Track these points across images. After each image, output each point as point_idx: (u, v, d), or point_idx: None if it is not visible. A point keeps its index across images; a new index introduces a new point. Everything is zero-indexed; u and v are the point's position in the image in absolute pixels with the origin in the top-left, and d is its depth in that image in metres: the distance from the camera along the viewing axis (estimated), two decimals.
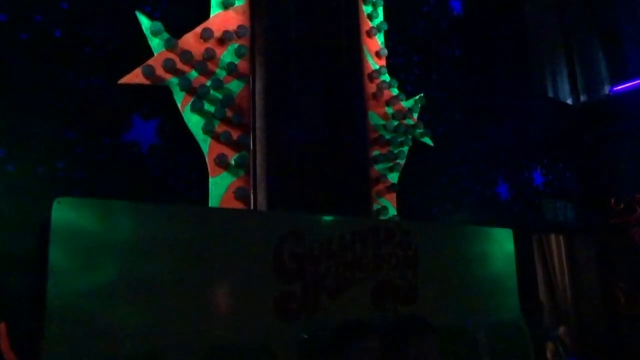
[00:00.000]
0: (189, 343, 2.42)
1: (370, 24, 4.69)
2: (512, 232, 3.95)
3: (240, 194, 3.64)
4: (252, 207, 3.71)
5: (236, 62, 3.77)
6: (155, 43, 3.47)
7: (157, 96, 3.47)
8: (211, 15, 3.79)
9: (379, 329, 2.83)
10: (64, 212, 2.23)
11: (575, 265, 6.85)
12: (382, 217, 4.34)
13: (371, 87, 4.58)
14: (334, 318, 2.78)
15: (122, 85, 3.32)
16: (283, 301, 2.76)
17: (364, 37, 4.61)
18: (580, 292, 6.79)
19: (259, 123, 3.85)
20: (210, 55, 3.65)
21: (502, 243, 3.89)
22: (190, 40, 3.62)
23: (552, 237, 6.85)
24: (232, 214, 3.19)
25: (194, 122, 3.56)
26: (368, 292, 3.12)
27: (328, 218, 3.13)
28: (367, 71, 4.57)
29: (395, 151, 4.56)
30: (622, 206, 6.78)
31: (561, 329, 5.60)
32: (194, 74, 3.58)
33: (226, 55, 3.76)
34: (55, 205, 2.21)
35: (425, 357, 2.85)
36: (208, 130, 3.57)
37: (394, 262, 3.25)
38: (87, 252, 2.26)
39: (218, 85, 3.65)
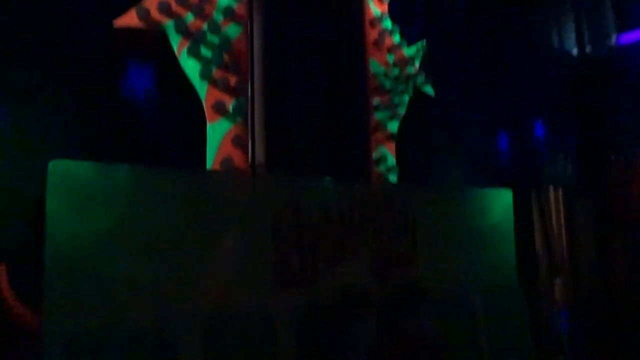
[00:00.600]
0: (186, 312, 2.40)
1: None
2: (511, 193, 3.91)
3: (238, 141, 3.60)
4: (250, 154, 3.68)
5: (233, 6, 3.67)
6: None
7: (152, 40, 3.39)
8: None
9: (376, 298, 2.84)
10: (59, 175, 2.18)
11: (573, 220, 6.86)
12: (381, 166, 4.32)
13: (372, 34, 4.47)
14: (332, 286, 2.77)
15: (117, 29, 3.24)
16: (281, 269, 2.74)
17: None
18: (577, 247, 6.82)
19: (256, 69, 3.78)
20: None
21: (501, 204, 3.87)
22: None
23: (551, 191, 6.84)
24: (231, 179, 3.16)
25: (191, 68, 3.49)
26: (366, 259, 3.10)
27: (326, 185, 3.08)
28: (368, 17, 4.46)
29: (396, 100, 4.50)
30: (622, 161, 6.74)
31: (556, 284, 5.64)
32: (190, 17, 3.49)
33: None
34: (50, 167, 2.16)
35: (421, 326, 2.87)
36: (205, 76, 3.50)
37: (392, 229, 3.22)
38: (84, 216, 2.21)
39: (215, 29, 3.56)
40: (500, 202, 3.87)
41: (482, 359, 3.44)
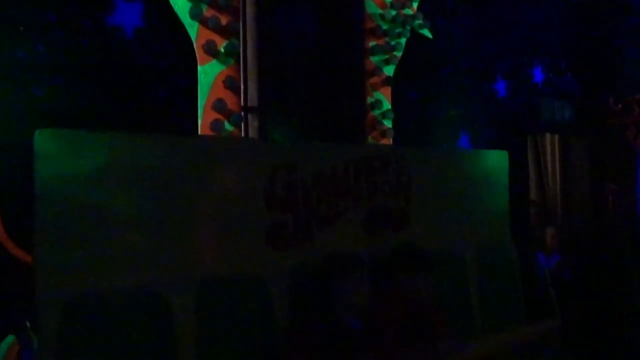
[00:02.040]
0: (180, 273, 2.40)
1: None
2: (507, 155, 3.89)
3: (230, 83, 3.54)
4: (242, 97, 3.62)
5: None
6: None
7: None
8: None
9: (370, 259, 2.84)
10: (45, 144, 2.15)
11: (568, 165, 6.87)
12: (376, 111, 4.27)
13: None
14: (326, 247, 2.77)
15: None
16: (274, 231, 2.73)
17: None
18: (571, 192, 6.86)
19: (249, 8, 3.66)
20: None
21: (496, 166, 3.86)
22: None
23: (547, 136, 6.82)
24: (224, 142, 3.13)
25: (180, 6, 3.38)
26: (360, 220, 3.09)
27: (321, 146, 3.06)
28: None
29: (392, 42, 4.40)
30: (620, 107, 6.68)
31: (548, 230, 5.69)
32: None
33: None
34: (36, 136, 2.11)
35: (414, 286, 2.89)
36: (195, 15, 3.40)
37: (387, 189, 3.21)
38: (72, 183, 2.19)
39: None
40: (496, 163, 3.88)
41: (473, 315, 3.51)
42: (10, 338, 2.60)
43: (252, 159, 2.73)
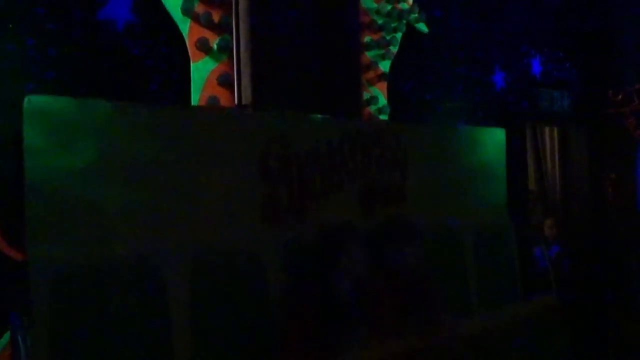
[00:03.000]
0: (174, 247, 2.38)
1: None
2: (504, 131, 3.86)
3: (224, 80, 3.51)
4: (236, 93, 3.58)
5: None
6: None
7: None
8: None
9: (364, 233, 2.82)
10: (35, 110, 2.13)
11: (567, 156, 6.84)
12: (372, 107, 4.23)
13: None
14: (320, 221, 2.76)
15: None
16: (269, 204, 2.72)
17: None
18: (570, 182, 6.83)
19: (242, 3, 3.61)
20: None
21: (494, 143, 3.83)
22: None
23: (546, 127, 6.78)
24: (217, 114, 3.07)
25: (172, 2, 3.33)
26: (355, 195, 3.08)
27: (316, 120, 3.03)
28: None
29: (388, 37, 4.35)
30: (620, 97, 6.64)
31: (548, 221, 5.67)
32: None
33: None
34: (26, 102, 2.10)
35: (409, 261, 2.88)
36: (187, 10, 3.36)
37: (382, 164, 3.19)
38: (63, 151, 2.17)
39: None
40: (493, 140, 3.83)
41: (470, 292, 3.51)
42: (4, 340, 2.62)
43: (246, 132, 2.73)
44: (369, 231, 2.91)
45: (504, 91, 5.66)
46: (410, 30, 4.58)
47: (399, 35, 4.44)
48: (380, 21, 4.32)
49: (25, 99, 2.11)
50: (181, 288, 2.35)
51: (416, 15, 4.56)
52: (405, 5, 4.49)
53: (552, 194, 6.81)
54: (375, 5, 4.32)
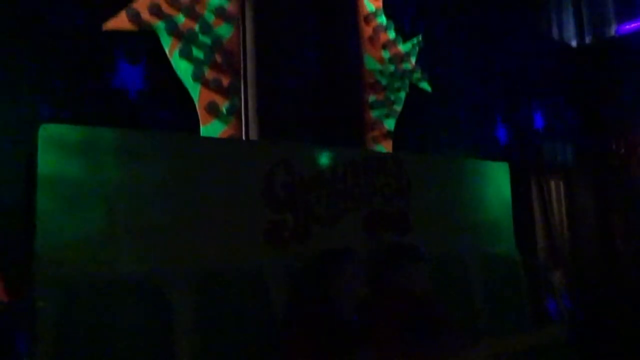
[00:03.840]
0: (180, 270, 2.46)
1: None
2: (507, 166, 3.93)
3: None
4: None
5: (225, 5, 3.62)
6: None
7: (143, 41, 3.35)
8: None
9: (370, 260, 2.86)
10: (49, 138, 2.26)
11: (574, 207, 6.83)
12: None
13: (367, 30, 4.42)
14: (325, 246, 2.81)
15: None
16: (274, 229, 2.79)
17: None
18: (578, 234, 6.81)
19: (250, 67, 3.74)
20: None
21: (497, 177, 3.90)
22: None
23: (551, 179, 6.81)
24: (223, 142, 3.23)
25: (183, 69, 3.45)
26: (360, 221, 3.15)
27: (320, 148, 3.14)
28: (363, 13, 4.40)
29: (392, 97, 4.45)
30: (622, 151, 6.70)
31: (557, 274, 5.63)
32: (181, 17, 3.44)
33: None
34: (41, 131, 2.23)
35: (414, 284, 2.88)
36: (197, 77, 3.47)
37: (386, 192, 3.26)
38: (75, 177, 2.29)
39: (206, 29, 3.51)
40: (497, 173, 3.94)
41: (477, 321, 3.48)
42: None
43: (251, 158, 2.84)
44: (373, 255, 2.98)
45: (508, 145, 5.72)
46: (414, 89, 4.68)
47: (402, 94, 4.54)
48: (384, 82, 4.43)
49: (41, 128, 2.22)
50: (186, 307, 2.41)
51: (419, 75, 4.68)
52: (407, 66, 4.61)
53: (561, 246, 6.77)
54: (379, 67, 4.44)
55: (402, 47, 4.60)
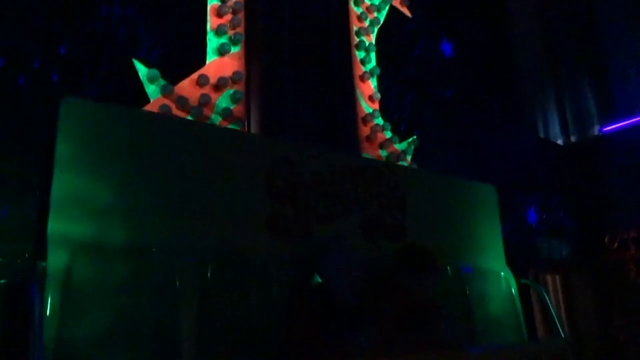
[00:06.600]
0: (188, 247, 2.57)
1: (363, 69, 4.78)
2: (495, 188, 4.06)
3: None
4: None
5: (231, 107, 3.82)
6: (151, 90, 3.49)
7: None
8: (207, 62, 3.85)
9: (368, 262, 3.00)
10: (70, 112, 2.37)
11: (572, 303, 6.80)
12: None
13: (365, 130, 4.63)
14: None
15: None
16: (275, 219, 2.92)
17: (358, 82, 4.69)
18: (578, 331, 6.73)
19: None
20: (205, 101, 3.69)
21: (485, 197, 4.02)
22: (186, 87, 3.66)
23: (548, 275, 6.82)
24: (229, 133, 3.42)
25: None
26: (357, 225, 3.26)
27: (319, 150, 3.32)
28: (360, 115, 4.64)
29: None
30: (615, 245, 6.78)
31: None
32: (189, 119, 3.62)
33: (221, 100, 3.81)
34: (62, 104, 2.34)
35: (420, 285, 2.91)
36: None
37: (382, 200, 3.34)
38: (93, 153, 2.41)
39: None
40: (485, 194, 4.07)
41: (470, 333, 3.46)
42: None
43: (255, 151, 3.04)
44: (371, 259, 3.11)
45: (503, 242, 5.77)
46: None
47: None
48: None
49: (62, 101, 2.32)
50: (190, 290, 2.50)
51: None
52: (404, 163, 4.76)
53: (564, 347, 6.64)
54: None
55: (399, 146, 4.80)
